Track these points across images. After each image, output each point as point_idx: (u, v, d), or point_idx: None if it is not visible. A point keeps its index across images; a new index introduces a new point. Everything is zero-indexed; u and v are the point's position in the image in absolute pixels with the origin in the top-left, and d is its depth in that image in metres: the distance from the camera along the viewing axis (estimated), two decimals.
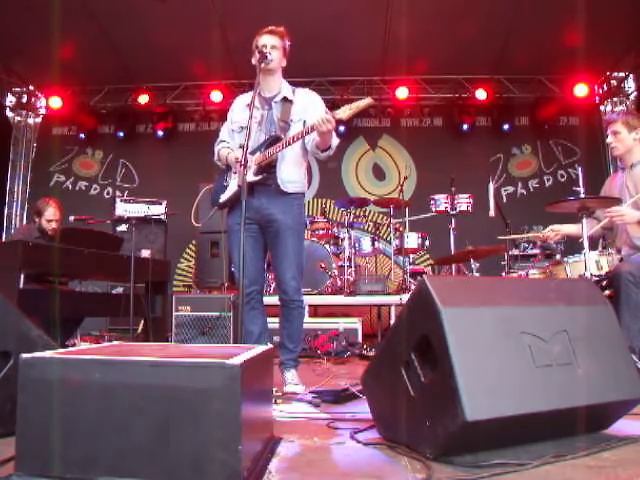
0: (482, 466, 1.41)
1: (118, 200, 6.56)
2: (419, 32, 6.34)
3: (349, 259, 5.55)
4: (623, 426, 1.78)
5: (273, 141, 2.77)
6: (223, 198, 2.93)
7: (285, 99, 2.88)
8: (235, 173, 2.85)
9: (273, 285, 5.35)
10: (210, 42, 6.20)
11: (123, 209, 6.38)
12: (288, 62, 2.95)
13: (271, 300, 3.82)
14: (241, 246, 2.38)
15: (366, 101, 2.51)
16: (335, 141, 2.73)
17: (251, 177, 2.76)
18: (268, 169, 2.79)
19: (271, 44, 2.80)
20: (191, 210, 6.18)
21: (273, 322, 3.11)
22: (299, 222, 2.89)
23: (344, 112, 2.53)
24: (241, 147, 2.68)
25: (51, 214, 4.27)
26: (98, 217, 5.01)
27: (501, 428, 1.49)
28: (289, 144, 2.70)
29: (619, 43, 6.65)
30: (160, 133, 8.08)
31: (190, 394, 1.25)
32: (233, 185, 2.86)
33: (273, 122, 2.85)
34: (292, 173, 2.84)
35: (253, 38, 2.86)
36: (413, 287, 5.27)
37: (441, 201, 5.39)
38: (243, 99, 3.00)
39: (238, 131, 2.93)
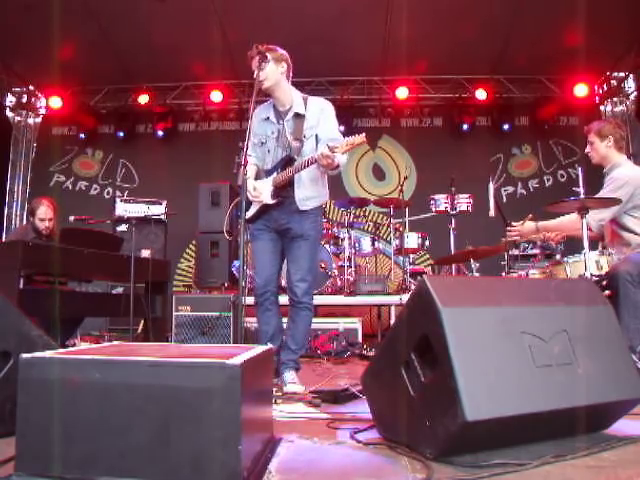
0: (482, 466, 1.41)
1: (118, 200, 6.56)
2: (419, 32, 6.34)
3: (349, 259, 5.55)
4: (623, 426, 1.78)
5: (287, 162, 2.82)
6: (248, 215, 2.97)
7: (297, 115, 2.87)
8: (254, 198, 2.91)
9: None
10: (210, 42, 6.20)
11: (123, 209, 6.38)
12: None
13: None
14: (241, 247, 2.38)
15: (361, 138, 2.55)
16: (343, 160, 2.73)
17: (269, 200, 2.85)
18: (284, 190, 2.85)
19: (255, 65, 2.73)
20: (191, 210, 6.22)
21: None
22: (313, 229, 2.93)
23: (340, 150, 2.56)
24: (240, 148, 2.73)
25: (42, 213, 4.19)
26: (98, 217, 4.99)
27: (501, 428, 1.49)
28: (298, 170, 2.75)
29: (619, 43, 6.65)
30: (160, 133, 8.07)
31: (190, 394, 1.25)
32: (256, 204, 2.93)
33: (288, 139, 2.87)
34: (309, 190, 2.87)
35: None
36: (413, 287, 5.27)
37: (441, 201, 5.39)
38: (259, 112, 2.99)
39: (259, 145, 2.97)
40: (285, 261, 3.01)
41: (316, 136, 2.84)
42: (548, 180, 7.86)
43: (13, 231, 7.61)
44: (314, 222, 2.92)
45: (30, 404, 1.29)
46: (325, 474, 1.44)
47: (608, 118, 3.50)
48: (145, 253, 4.94)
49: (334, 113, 2.95)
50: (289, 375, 2.85)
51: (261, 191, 2.85)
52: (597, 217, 3.15)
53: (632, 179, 3.14)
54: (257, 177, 2.95)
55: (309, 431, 1.87)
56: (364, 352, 4.45)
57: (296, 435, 1.80)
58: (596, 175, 3.55)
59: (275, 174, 2.85)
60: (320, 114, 2.88)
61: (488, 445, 1.54)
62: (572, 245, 4.07)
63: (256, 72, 2.71)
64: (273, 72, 2.81)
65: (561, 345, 1.63)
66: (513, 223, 3.56)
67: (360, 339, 4.77)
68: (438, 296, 1.52)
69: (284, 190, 2.84)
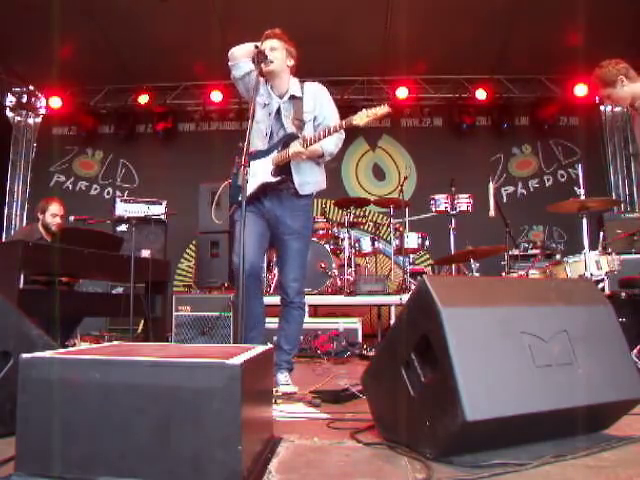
0: (482, 466, 1.41)
1: (118, 200, 6.56)
2: (419, 32, 6.34)
3: (349, 259, 5.54)
4: (623, 426, 1.78)
5: (288, 140, 2.77)
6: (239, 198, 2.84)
7: (293, 97, 2.86)
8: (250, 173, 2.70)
9: (273, 285, 5.36)
10: (210, 42, 6.19)
11: (123, 209, 6.38)
12: None
13: (271, 300, 3.81)
14: (241, 246, 2.37)
15: (384, 109, 2.55)
16: (328, 147, 2.77)
17: (269, 178, 2.78)
18: (286, 170, 2.79)
19: (270, 46, 2.78)
20: (191, 210, 6.21)
21: (272, 322, 3.11)
22: (306, 227, 2.91)
23: (361, 119, 2.57)
24: (240, 149, 2.67)
25: (56, 209, 4.28)
26: (98, 217, 5.00)
27: (501, 428, 1.49)
28: (310, 144, 2.70)
29: (619, 43, 6.64)
30: (160, 133, 8.07)
31: (190, 394, 1.25)
32: (251, 183, 2.70)
33: (286, 120, 2.84)
34: (308, 176, 2.84)
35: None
36: (413, 287, 5.27)
37: (441, 201, 5.40)
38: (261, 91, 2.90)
39: (261, 106, 2.87)
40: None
41: (314, 118, 2.85)
42: (548, 180, 7.86)
43: (17, 231, 7.61)
44: (307, 219, 2.90)
45: (30, 404, 1.29)
46: (325, 474, 1.44)
47: (601, 65, 3.16)
48: (145, 253, 4.95)
49: (329, 96, 2.95)
50: (282, 377, 2.81)
51: (254, 172, 2.69)
52: None
53: None
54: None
55: (309, 431, 1.87)
56: (364, 352, 4.45)
57: (296, 435, 1.80)
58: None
59: (275, 152, 2.79)
60: (314, 102, 2.87)
61: (488, 445, 1.54)
62: (572, 245, 4.07)
63: (267, 50, 2.72)
64: (281, 59, 2.81)
65: (561, 345, 1.63)
66: None
67: (360, 339, 4.77)
68: (438, 296, 1.52)
69: (284, 170, 2.79)
